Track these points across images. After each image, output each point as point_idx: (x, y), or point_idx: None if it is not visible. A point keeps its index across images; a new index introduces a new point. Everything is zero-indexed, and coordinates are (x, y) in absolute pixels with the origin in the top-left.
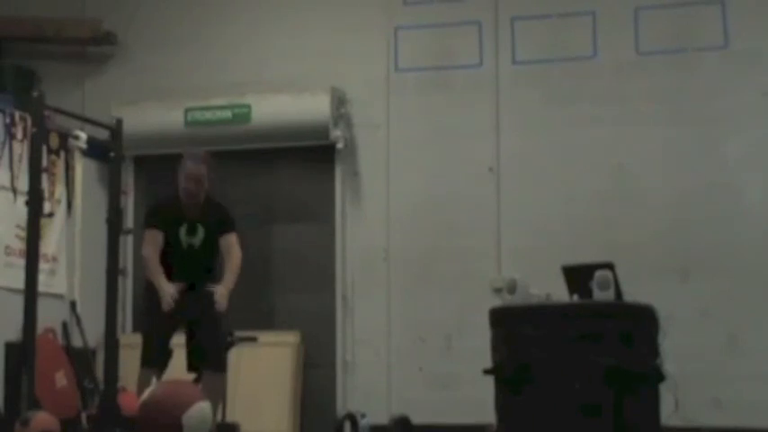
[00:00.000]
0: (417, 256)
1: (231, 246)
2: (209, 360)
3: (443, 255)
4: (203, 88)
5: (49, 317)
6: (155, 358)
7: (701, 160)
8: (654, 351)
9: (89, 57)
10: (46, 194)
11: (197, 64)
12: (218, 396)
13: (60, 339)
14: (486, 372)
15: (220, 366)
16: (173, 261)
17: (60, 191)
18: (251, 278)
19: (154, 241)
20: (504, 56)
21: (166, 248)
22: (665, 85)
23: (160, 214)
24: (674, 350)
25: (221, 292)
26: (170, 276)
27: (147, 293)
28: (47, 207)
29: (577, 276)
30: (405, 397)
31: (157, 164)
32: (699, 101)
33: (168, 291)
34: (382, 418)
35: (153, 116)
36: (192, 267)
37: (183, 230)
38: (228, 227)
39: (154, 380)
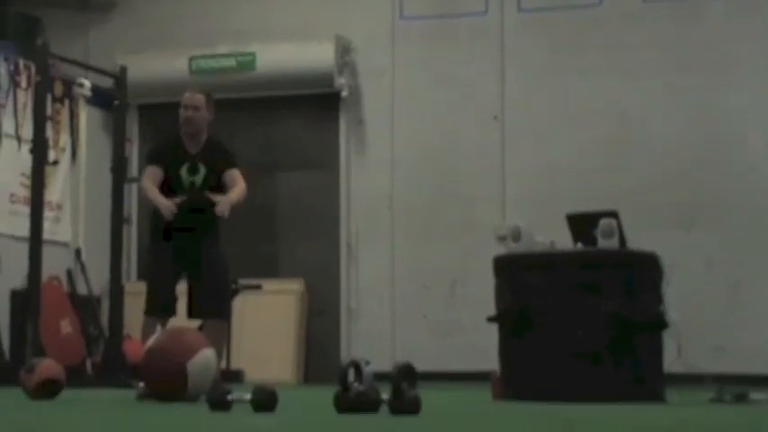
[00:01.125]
0: (421, 204)
1: (236, 179)
2: (209, 307)
3: (448, 203)
4: (208, 36)
5: (54, 264)
6: (159, 306)
7: (706, 109)
8: (657, 299)
9: (93, 5)
10: (50, 143)
11: (201, 12)
12: (219, 343)
13: (65, 287)
14: (490, 319)
15: (221, 313)
16: (173, 217)
17: (65, 139)
18: (255, 226)
19: (153, 176)
20: (509, 4)
21: (168, 188)
22: (669, 34)
23: (161, 152)
24: (677, 298)
25: (224, 200)
26: (172, 218)
27: (152, 241)
28: (51, 155)
29: (581, 224)
30: (409, 344)
31: (162, 112)
32: (703, 50)
33: (167, 203)
34: (386, 366)
35: (157, 64)
36: (194, 206)
37: (184, 169)
38: (231, 163)
39: (158, 327)
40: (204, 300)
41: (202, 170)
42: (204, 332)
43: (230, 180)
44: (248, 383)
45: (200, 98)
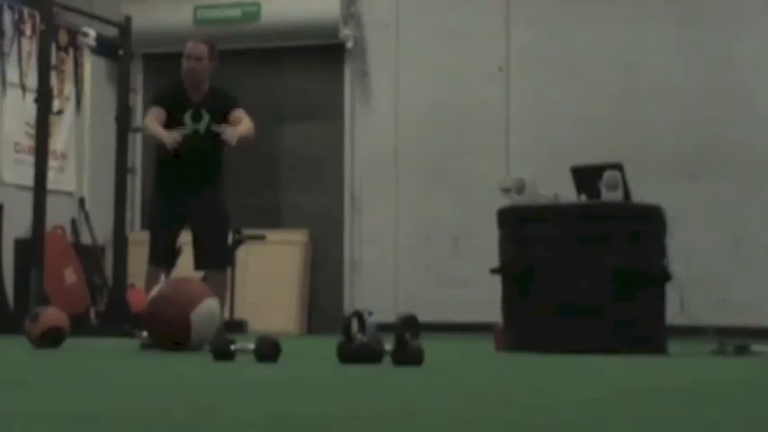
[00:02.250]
0: (426, 156)
1: (241, 117)
2: (209, 258)
3: (452, 155)
4: None
5: (58, 214)
6: (162, 256)
7: (713, 60)
8: (661, 251)
9: None
10: (55, 92)
11: None
12: (220, 293)
13: (69, 236)
14: (493, 271)
15: (221, 264)
16: (178, 147)
17: (69, 88)
18: (259, 176)
19: (155, 116)
20: None
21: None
22: None
23: (165, 97)
24: (680, 251)
25: (230, 129)
26: (174, 164)
27: (155, 190)
28: (56, 104)
29: (586, 177)
30: (412, 296)
31: (166, 62)
32: (710, 1)
33: (169, 134)
34: (389, 317)
35: (162, 14)
36: (197, 154)
37: (187, 116)
38: (234, 104)
39: (162, 277)
40: (204, 250)
41: (206, 117)
42: (208, 283)
43: (236, 120)
44: (252, 333)
45: (202, 48)
